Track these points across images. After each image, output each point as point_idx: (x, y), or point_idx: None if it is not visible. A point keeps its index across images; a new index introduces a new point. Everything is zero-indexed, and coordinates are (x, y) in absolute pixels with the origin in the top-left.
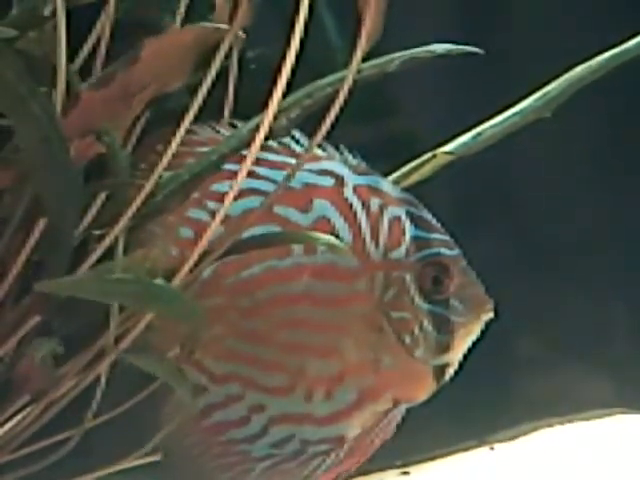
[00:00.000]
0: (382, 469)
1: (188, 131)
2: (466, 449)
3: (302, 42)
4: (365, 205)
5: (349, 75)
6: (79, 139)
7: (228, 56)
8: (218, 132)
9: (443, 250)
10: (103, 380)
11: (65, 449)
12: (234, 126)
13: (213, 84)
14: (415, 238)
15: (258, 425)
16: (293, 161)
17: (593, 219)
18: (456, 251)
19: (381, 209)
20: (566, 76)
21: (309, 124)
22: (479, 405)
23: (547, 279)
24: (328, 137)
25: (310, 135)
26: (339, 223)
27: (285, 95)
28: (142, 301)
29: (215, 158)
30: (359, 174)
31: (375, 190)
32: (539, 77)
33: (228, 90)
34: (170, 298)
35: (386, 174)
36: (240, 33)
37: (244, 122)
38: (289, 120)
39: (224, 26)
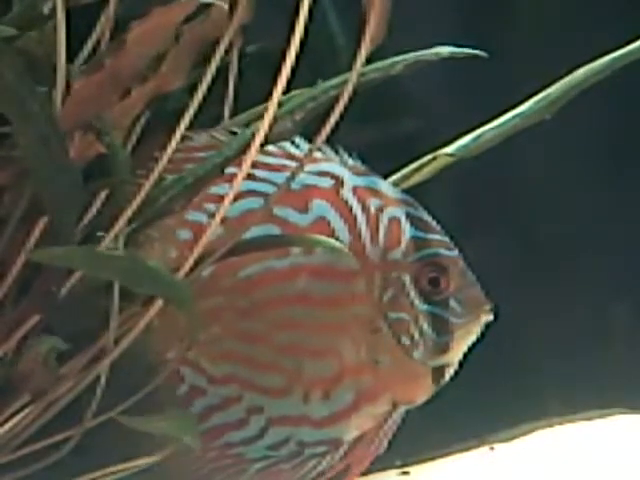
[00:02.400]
0: (382, 469)
1: (185, 137)
2: (466, 449)
3: (303, 41)
4: (364, 206)
5: (352, 78)
6: (75, 130)
7: (228, 53)
8: (215, 138)
9: (441, 251)
10: (103, 380)
11: (65, 449)
12: (233, 133)
13: (213, 83)
14: (413, 239)
15: (256, 427)
16: (290, 163)
17: (593, 219)
18: (454, 252)
19: (380, 210)
20: (568, 78)
21: (311, 126)
22: (479, 405)
23: (547, 279)
24: (331, 139)
25: (312, 137)
26: (338, 224)
27: (285, 95)
28: (131, 278)
29: (219, 161)
30: (357, 175)
31: (374, 191)
32: (541, 79)
33: (228, 89)
34: (163, 279)
35: (386, 175)
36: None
37: (244, 125)
38: (294, 122)
39: (208, 0)
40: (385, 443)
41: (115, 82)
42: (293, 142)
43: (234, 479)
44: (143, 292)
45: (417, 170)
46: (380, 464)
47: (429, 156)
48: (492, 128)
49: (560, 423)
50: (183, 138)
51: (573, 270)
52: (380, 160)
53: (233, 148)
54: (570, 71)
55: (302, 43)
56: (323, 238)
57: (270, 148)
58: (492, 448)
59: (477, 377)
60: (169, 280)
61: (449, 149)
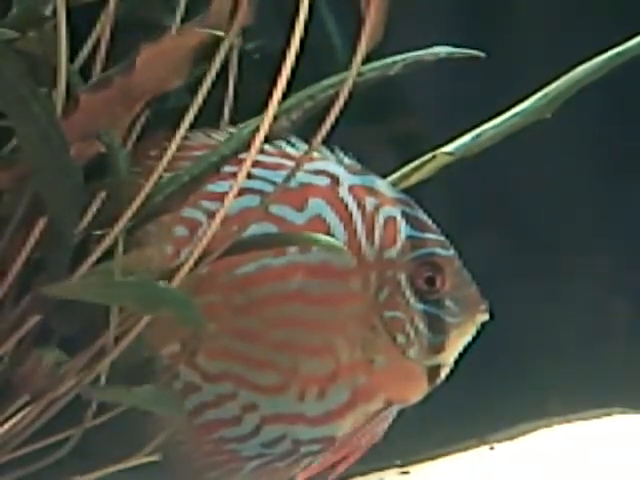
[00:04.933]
0: (382, 469)
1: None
2: (466, 449)
3: (303, 42)
4: (360, 204)
5: (350, 77)
6: (80, 141)
7: (228, 55)
8: (212, 138)
9: (437, 250)
10: (103, 380)
11: (65, 449)
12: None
13: (213, 84)
14: (410, 238)
15: (250, 425)
16: (287, 162)
17: (593, 219)
18: (451, 251)
19: (376, 209)
20: (567, 76)
21: (309, 125)
22: (479, 405)
23: (547, 279)
24: (328, 138)
25: (310, 136)
26: (334, 222)
27: (285, 96)
28: (148, 305)
29: (215, 159)
30: (354, 174)
31: (370, 190)
32: (540, 78)
33: (228, 90)
34: (177, 303)
35: (386, 175)
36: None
37: (243, 124)
38: (290, 121)
39: (218, 32)
40: (374, 441)
41: (124, 100)
42: (289, 141)
43: (229, 476)
44: (157, 315)
45: (417, 169)
46: (380, 464)
47: (429, 155)
48: (492, 127)
49: (560, 423)
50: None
51: (573, 269)
52: (379, 159)
53: (230, 147)
54: (569, 69)
55: (301, 43)
56: (321, 236)
57: (266, 147)
58: (492, 448)
59: (477, 377)
60: (181, 301)
61: (449, 148)
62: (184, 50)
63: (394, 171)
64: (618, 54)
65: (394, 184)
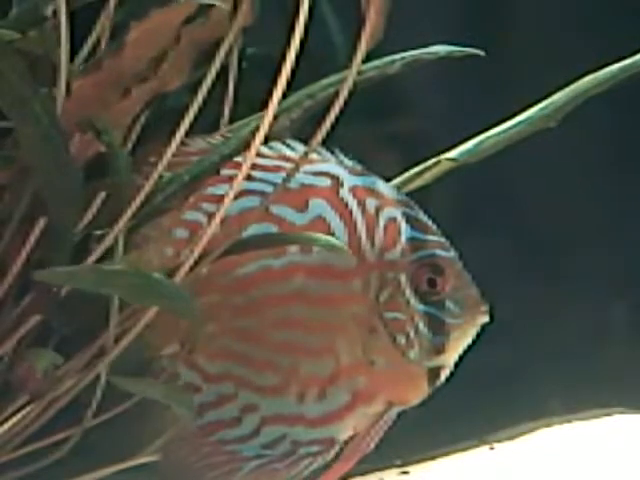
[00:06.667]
0: (382, 469)
1: (182, 143)
2: (466, 449)
3: (303, 41)
4: (361, 205)
5: (350, 76)
6: (75, 130)
7: (228, 55)
8: (211, 144)
9: (438, 251)
10: (103, 380)
11: (64, 449)
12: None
13: (213, 84)
14: (411, 239)
15: (250, 426)
16: (286, 165)
17: (593, 219)
18: (451, 253)
19: (377, 210)
20: (573, 86)
21: (309, 125)
22: (479, 405)
23: (547, 279)
24: (329, 138)
25: (310, 136)
26: (335, 223)
27: (285, 95)
28: (139, 294)
29: (216, 159)
30: (355, 175)
31: (371, 191)
32: (546, 86)
33: (228, 90)
34: (168, 292)
35: (389, 179)
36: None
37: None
38: (291, 120)
39: (210, 1)
40: (375, 442)
41: (114, 82)
42: (287, 144)
43: (228, 477)
44: (148, 305)
45: (419, 174)
46: (380, 464)
47: (432, 160)
48: (495, 134)
49: (560, 423)
50: (182, 142)
51: (573, 270)
52: (381, 163)
53: (230, 146)
54: (575, 79)
55: (301, 42)
56: (321, 236)
57: (265, 151)
58: (492, 448)
59: (477, 377)
60: (174, 293)
61: (452, 153)
62: (171, 26)
63: (397, 176)
64: (625, 67)
65: (396, 187)
